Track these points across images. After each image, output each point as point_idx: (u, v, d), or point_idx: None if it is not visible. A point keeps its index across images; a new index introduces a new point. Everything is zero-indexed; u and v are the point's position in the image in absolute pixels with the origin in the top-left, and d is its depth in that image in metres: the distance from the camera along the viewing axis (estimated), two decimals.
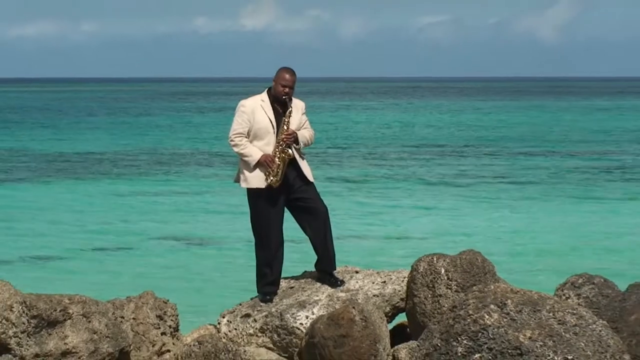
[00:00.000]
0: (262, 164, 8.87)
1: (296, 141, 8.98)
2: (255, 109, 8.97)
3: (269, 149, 8.92)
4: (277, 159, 8.88)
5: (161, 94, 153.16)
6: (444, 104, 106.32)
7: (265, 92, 9.10)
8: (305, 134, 9.09)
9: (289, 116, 8.98)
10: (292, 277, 9.53)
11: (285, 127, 8.95)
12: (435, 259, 8.82)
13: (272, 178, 8.89)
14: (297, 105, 9.11)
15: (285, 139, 8.91)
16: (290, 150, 8.95)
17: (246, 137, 8.95)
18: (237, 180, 9.14)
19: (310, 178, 9.12)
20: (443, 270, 8.70)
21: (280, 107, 9.02)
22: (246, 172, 8.98)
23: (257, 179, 8.94)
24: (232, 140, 8.97)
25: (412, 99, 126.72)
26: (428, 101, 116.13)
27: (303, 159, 9.14)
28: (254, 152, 8.89)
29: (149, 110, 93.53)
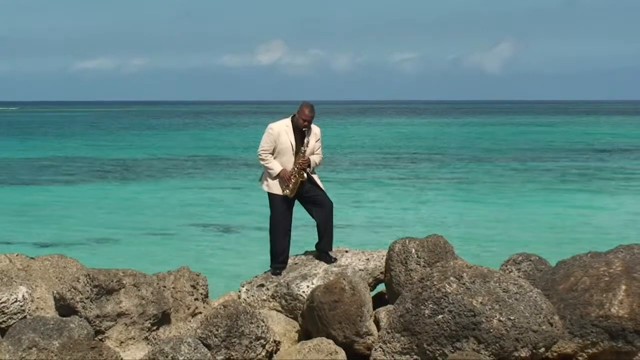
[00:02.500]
0: (281, 177, 8.95)
1: (309, 166, 9.03)
2: (281, 132, 9.00)
3: (289, 164, 8.98)
4: (293, 178, 8.95)
5: (194, 113, 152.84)
6: (409, 121, 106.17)
7: (290, 118, 9.09)
8: (315, 159, 9.13)
9: (307, 145, 8.99)
10: (297, 255, 9.51)
11: (302, 154, 8.96)
12: (407, 241, 8.79)
13: (287, 191, 9.00)
14: (314, 131, 9.12)
15: (302, 164, 8.95)
16: (304, 173, 9.00)
17: (271, 154, 9.02)
18: (261, 184, 9.22)
19: (320, 185, 9.18)
20: (413, 250, 8.67)
21: (300, 132, 9.03)
22: (269, 180, 9.10)
23: (277, 187, 9.07)
24: (259, 155, 9.08)
25: (390, 117, 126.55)
26: (397, 119, 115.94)
27: (313, 172, 9.19)
28: (276, 166, 8.99)
29: (179, 125, 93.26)
